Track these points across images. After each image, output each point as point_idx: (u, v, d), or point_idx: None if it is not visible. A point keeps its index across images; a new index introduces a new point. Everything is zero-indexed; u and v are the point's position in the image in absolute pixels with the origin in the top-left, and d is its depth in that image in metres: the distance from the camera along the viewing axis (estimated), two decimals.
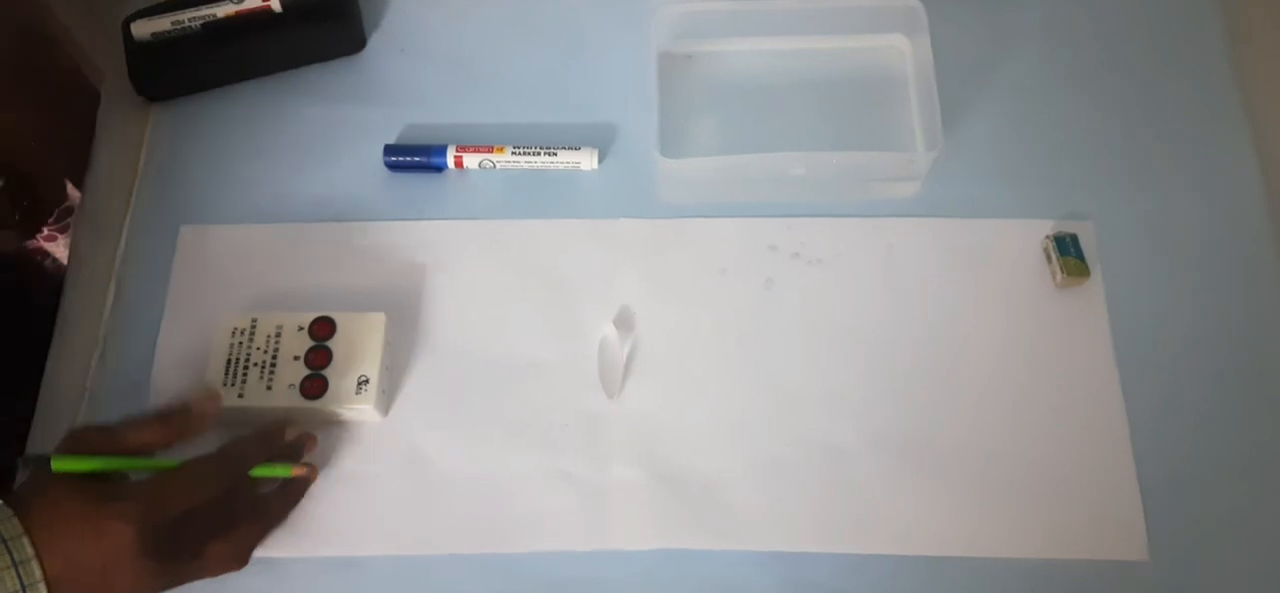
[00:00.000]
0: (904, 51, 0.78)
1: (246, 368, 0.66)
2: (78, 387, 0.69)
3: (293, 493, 0.65)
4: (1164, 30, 0.79)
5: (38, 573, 0.52)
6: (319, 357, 0.66)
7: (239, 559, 0.61)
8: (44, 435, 0.68)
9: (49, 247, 1.09)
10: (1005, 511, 0.65)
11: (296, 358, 0.66)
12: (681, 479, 0.66)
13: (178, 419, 0.60)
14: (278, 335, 0.67)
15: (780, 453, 0.67)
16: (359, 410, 0.66)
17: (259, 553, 0.63)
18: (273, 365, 0.66)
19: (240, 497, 0.62)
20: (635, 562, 0.65)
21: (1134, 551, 0.64)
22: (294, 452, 0.65)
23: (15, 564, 0.51)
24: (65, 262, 0.74)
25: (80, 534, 0.53)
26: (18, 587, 0.51)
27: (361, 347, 0.67)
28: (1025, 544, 0.64)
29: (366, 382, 0.66)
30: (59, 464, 0.55)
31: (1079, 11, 0.80)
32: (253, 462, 0.62)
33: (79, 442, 0.57)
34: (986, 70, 0.78)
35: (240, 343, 0.67)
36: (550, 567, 0.65)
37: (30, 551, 0.52)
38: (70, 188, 1.14)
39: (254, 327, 0.67)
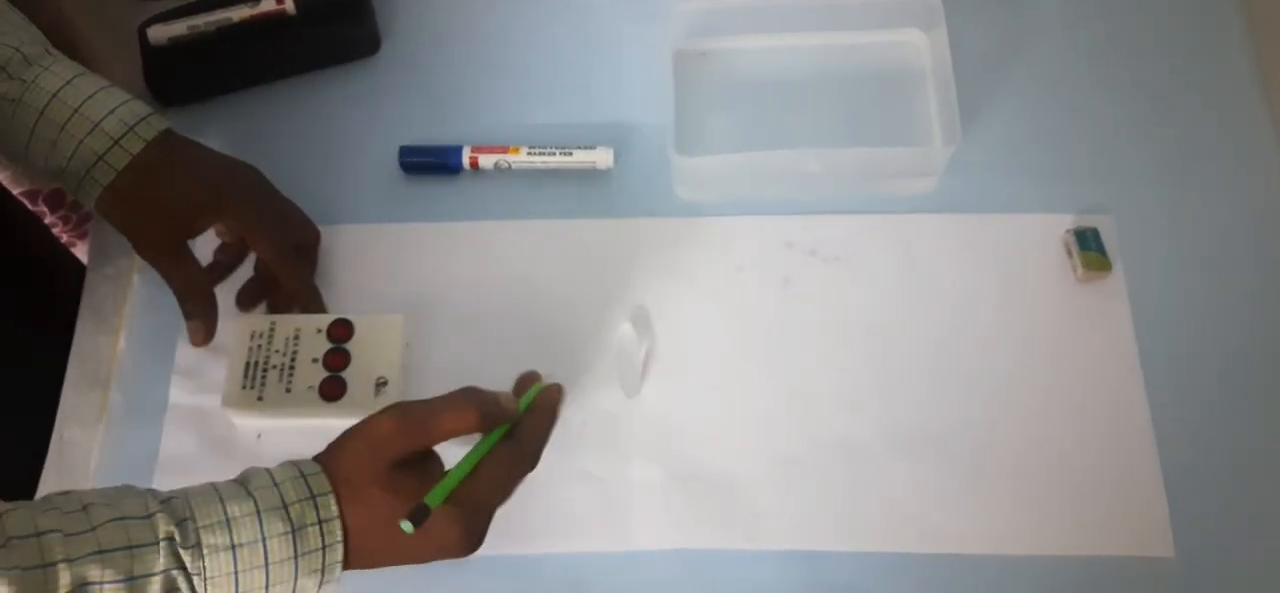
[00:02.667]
0: (921, 46, 0.77)
1: (265, 371, 0.66)
2: (100, 387, 0.69)
3: (548, 407, 0.60)
4: (1184, 21, 0.79)
5: (339, 532, 0.51)
6: (337, 359, 0.66)
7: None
8: (67, 434, 0.68)
9: (71, 249, 1.10)
10: (1028, 507, 0.65)
11: (315, 360, 0.66)
12: (701, 478, 0.66)
13: (489, 406, 0.58)
14: (296, 338, 0.67)
15: (800, 451, 0.66)
16: None
17: None
18: (291, 368, 0.66)
19: (511, 443, 0.58)
20: (655, 561, 0.64)
21: (1159, 546, 0.63)
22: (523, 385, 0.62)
23: (320, 524, 0.51)
24: (86, 262, 0.75)
25: (408, 549, 0.53)
26: (319, 545, 0.51)
27: (380, 349, 0.67)
28: (1049, 541, 0.64)
29: (385, 384, 0.66)
30: (434, 500, 0.52)
31: (1097, 3, 0.79)
32: (545, 436, 0.59)
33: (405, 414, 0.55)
34: (1004, 63, 0.77)
35: (259, 346, 0.67)
36: (570, 567, 0.64)
37: (335, 509, 0.51)
38: None
39: (273, 329, 0.67)
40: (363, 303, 0.70)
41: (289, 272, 0.68)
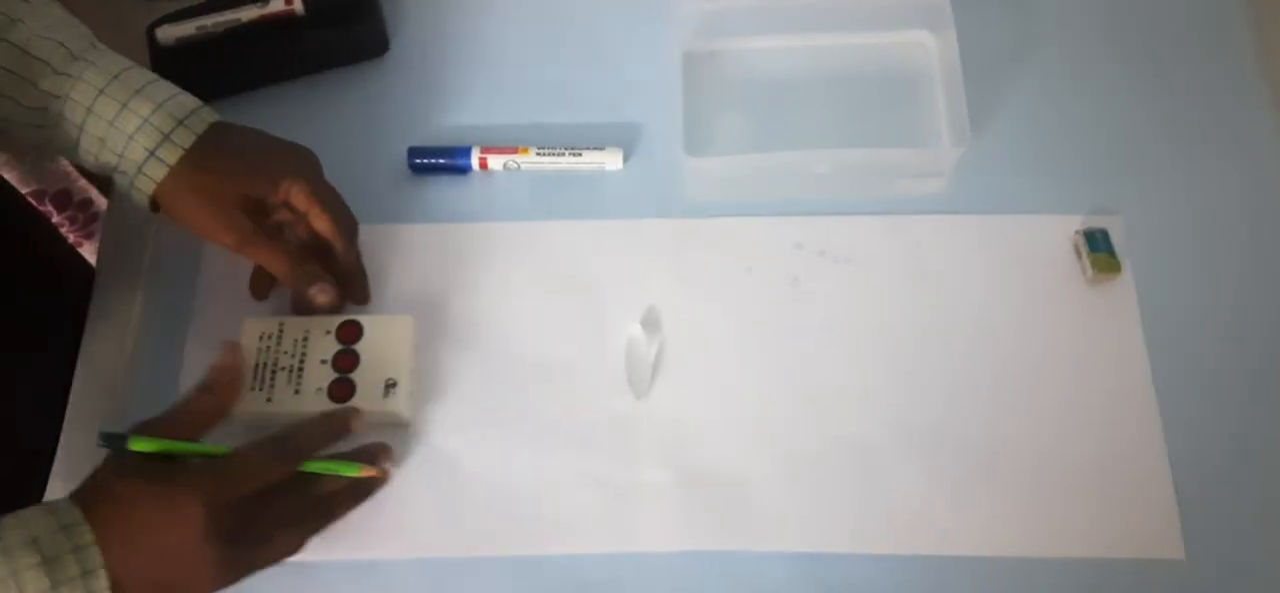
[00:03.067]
0: (929, 47, 0.77)
1: (274, 372, 0.66)
2: (107, 390, 0.69)
3: (359, 492, 0.64)
4: (1193, 21, 0.78)
5: (104, 582, 0.52)
6: (346, 360, 0.66)
7: (300, 546, 0.61)
8: (75, 438, 0.68)
9: (78, 249, 1.10)
10: (1037, 509, 0.65)
11: (324, 362, 0.66)
12: (710, 480, 0.66)
13: (216, 383, 0.60)
14: (305, 339, 0.67)
15: (810, 453, 0.66)
16: (387, 414, 0.66)
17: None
18: (300, 370, 0.66)
19: (304, 487, 0.61)
20: (664, 564, 0.64)
21: (1170, 549, 0.63)
22: (366, 456, 0.64)
23: (84, 575, 0.52)
24: (94, 264, 0.75)
25: (149, 519, 0.54)
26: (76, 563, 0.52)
27: (389, 350, 0.67)
28: (1058, 543, 0.64)
29: (394, 385, 0.66)
30: (137, 444, 0.56)
31: (1106, 2, 0.79)
32: (313, 445, 0.61)
33: (146, 431, 0.57)
34: (1012, 63, 0.77)
35: (268, 347, 0.67)
36: (578, 569, 0.64)
37: (98, 559, 0.52)
38: (95, 193, 1.15)
39: (281, 331, 0.67)
40: (371, 304, 0.70)
41: (347, 247, 0.68)
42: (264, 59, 0.77)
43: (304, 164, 0.67)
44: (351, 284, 0.68)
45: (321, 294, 0.66)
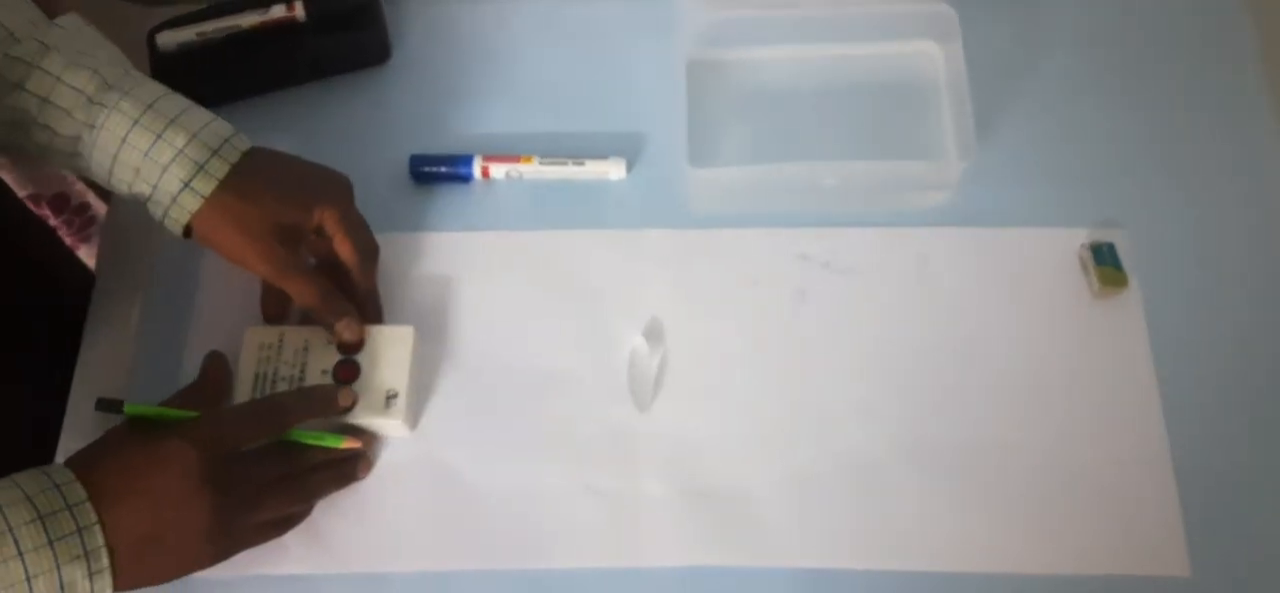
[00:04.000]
0: (935, 58, 0.77)
1: (274, 382, 0.66)
2: (108, 393, 0.69)
3: (343, 473, 0.65)
4: (1198, 34, 0.78)
5: (100, 539, 0.54)
6: (347, 371, 0.66)
7: (284, 524, 0.63)
8: (72, 445, 0.67)
9: (77, 253, 1.09)
10: (1042, 525, 0.64)
11: (324, 372, 0.66)
12: (713, 494, 0.65)
13: (206, 382, 0.65)
14: (305, 349, 0.67)
15: (813, 468, 0.66)
16: (388, 425, 0.66)
17: (285, 570, 0.63)
18: (301, 379, 0.66)
19: (289, 456, 0.63)
20: (665, 578, 0.64)
21: (1175, 566, 0.63)
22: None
23: (79, 530, 0.53)
24: (93, 268, 0.74)
25: (143, 468, 0.56)
26: (81, 552, 0.53)
27: (390, 360, 0.66)
28: (1063, 560, 0.63)
29: (395, 396, 0.65)
30: (131, 409, 0.60)
31: (1112, 16, 0.79)
32: (296, 412, 0.63)
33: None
34: (1019, 75, 0.77)
35: (268, 357, 0.66)
36: (579, 583, 0.64)
37: (93, 516, 0.54)
38: (92, 198, 1.15)
39: (282, 341, 0.67)
40: None
41: (366, 273, 0.68)
42: (265, 66, 0.76)
43: (337, 190, 0.67)
44: (366, 307, 0.68)
45: (347, 331, 0.66)
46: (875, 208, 0.72)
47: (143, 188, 0.62)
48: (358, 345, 0.66)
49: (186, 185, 0.61)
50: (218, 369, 0.65)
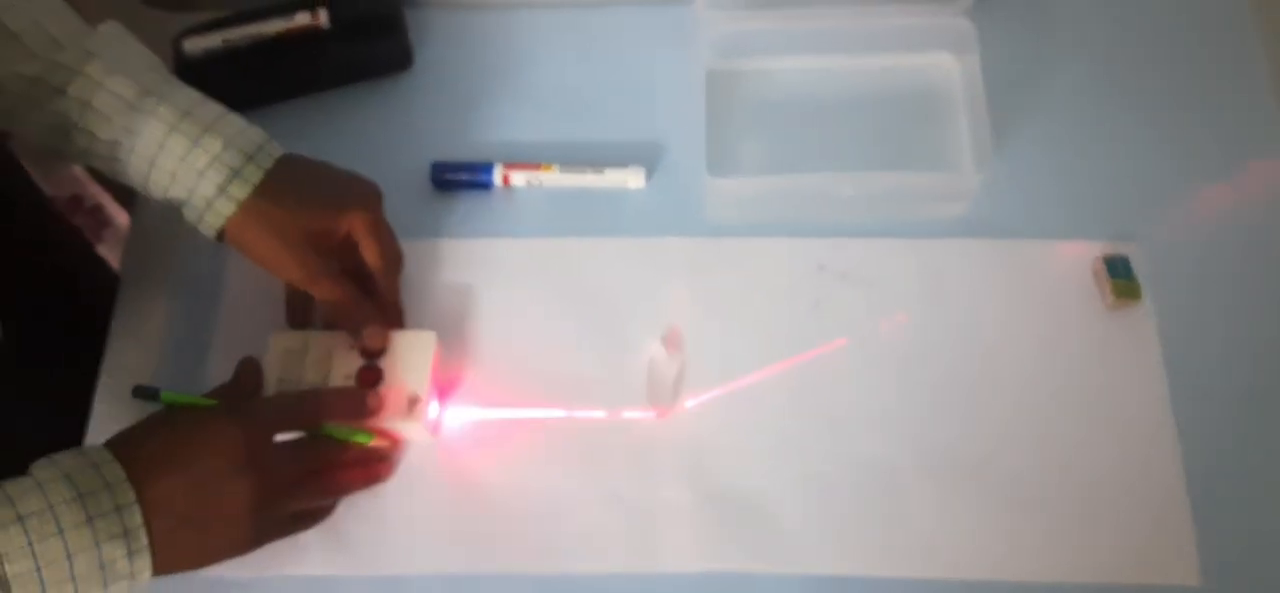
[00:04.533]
0: (952, 70, 0.78)
1: (299, 386, 0.66)
2: (130, 402, 0.69)
3: (370, 472, 0.66)
4: (1213, 49, 0.79)
5: (139, 517, 0.54)
6: (370, 375, 0.66)
7: (311, 518, 0.64)
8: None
9: (100, 252, 1.10)
10: (1055, 535, 0.65)
11: (348, 377, 0.67)
12: (731, 500, 0.66)
13: (239, 386, 0.66)
14: (329, 354, 0.67)
15: (831, 476, 0.67)
16: (410, 429, 0.66)
17: (306, 571, 0.64)
18: (325, 384, 0.66)
19: (323, 447, 0.64)
20: (684, 584, 0.64)
21: (1186, 575, 0.64)
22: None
23: (118, 509, 0.54)
24: (116, 269, 0.75)
25: (183, 447, 0.57)
26: (120, 531, 0.54)
27: (412, 365, 0.67)
28: (1076, 569, 0.64)
29: (417, 401, 0.66)
30: (168, 397, 0.62)
31: (1129, 29, 0.80)
32: (331, 409, 0.64)
33: None
34: (1034, 87, 0.78)
35: (293, 362, 0.67)
36: (598, 588, 0.65)
37: (131, 495, 0.54)
38: (107, 199, 1.15)
39: (306, 345, 0.68)
40: None
41: (391, 281, 0.69)
42: (289, 72, 0.77)
43: (368, 197, 0.68)
44: (390, 313, 0.69)
45: (373, 339, 0.66)
46: (892, 218, 0.73)
47: (179, 193, 0.62)
48: (381, 351, 0.67)
49: (222, 191, 0.62)
50: (250, 374, 0.66)
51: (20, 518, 0.51)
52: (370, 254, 0.67)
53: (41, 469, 0.54)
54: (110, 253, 1.07)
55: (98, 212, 1.16)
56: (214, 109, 0.64)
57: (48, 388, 0.73)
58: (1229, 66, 0.78)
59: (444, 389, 0.69)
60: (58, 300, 0.77)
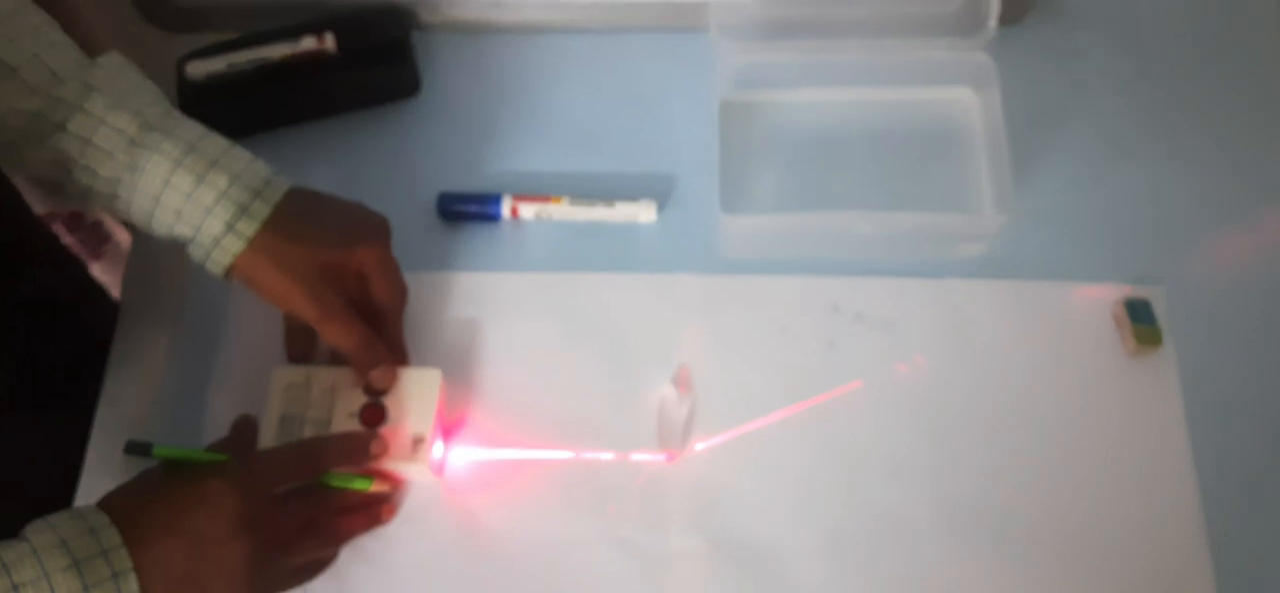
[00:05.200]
0: (972, 106, 0.76)
1: (302, 424, 0.65)
2: (130, 433, 0.68)
3: (371, 516, 0.65)
4: (1240, 90, 0.77)
5: (135, 585, 0.53)
6: (374, 414, 0.65)
7: (314, 569, 0.63)
8: (94, 485, 0.67)
9: (100, 268, 1.08)
10: (1071, 586, 0.63)
11: (351, 415, 0.65)
12: (744, 549, 0.65)
13: (236, 440, 0.65)
14: (333, 391, 0.66)
15: (845, 525, 0.65)
16: (414, 470, 0.65)
17: None
18: (328, 422, 0.65)
19: (322, 497, 0.63)
20: None
21: None
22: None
23: (115, 576, 0.52)
24: (115, 295, 0.73)
25: (180, 511, 0.55)
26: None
27: (416, 403, 0.65)
28: None
29: (422, 440, 0.64)
30: (160, 451, 0.59)
31: (1153, 65, 0.78)
32: (333, 457, 0.63)
33: None
34: (1055, 125, 0.76)
35: (295, 398, 0.65)
36: None
37: (128, 561, 0.53)
38: (117, 229, 1.14)
39: (309, 381, 0.66)
40: None
41: (398, 320, 0.68)
42: (294, 97, 0.76)
43: (377, 231, 0.66)
44: (396, 350, 0.68)
45: (382, 379, 0.65)
46: (909, 258, 0.72)
47: (184, 230, 0.61)
48: (386, 389, 0.65)
49: (230, 228, 0.60)
50: (247, 430, 0.65)
51: (15, 588, 0.50)
52: (381, 291, 0.66)
53: (37, 535, 0.52)
54: (110, 271, 1.05)
55: (98, 228, 1.15)
56: (219, 143, 0.62)
57: (43, 423, 0.71)
58: (1257, 105, 0.77)
59: (449, 429, 0.67)
60: (52, 335, 0.75)
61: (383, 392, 0.65)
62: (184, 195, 0.60)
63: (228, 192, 0.60)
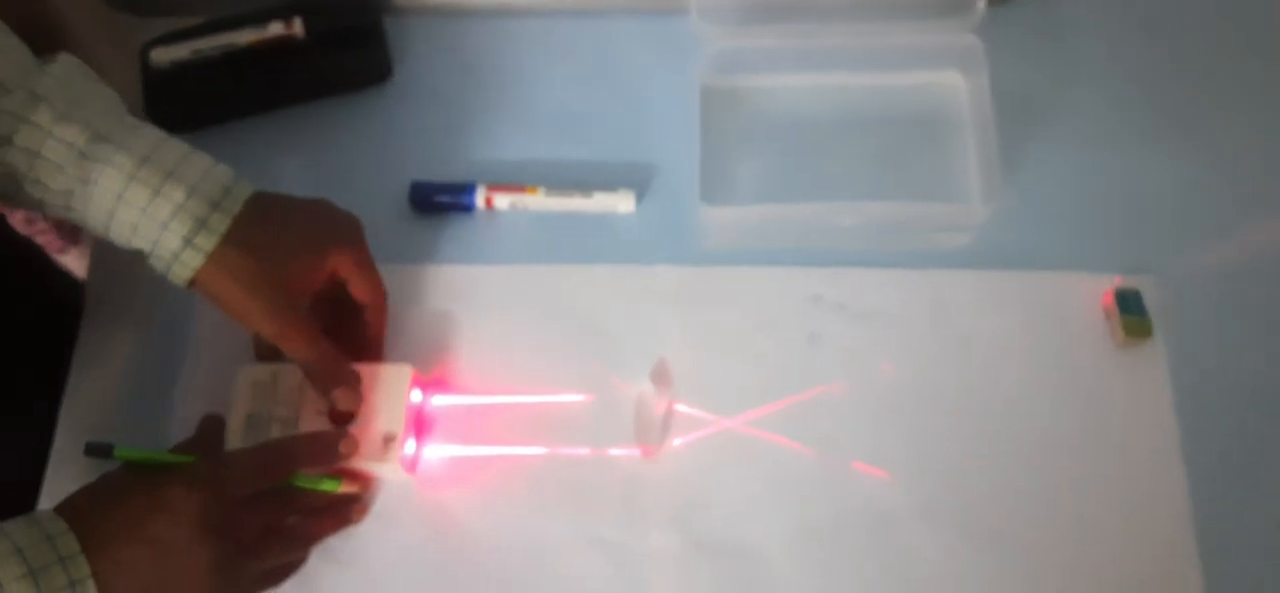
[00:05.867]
0: (960, 90, 0.74)
1: (268, 422, 0.63)
2: (95, 431, 0.66)
3: (340, 516, 0.63)
4: (1232, 80, 0.75)
5: (93, 590, 0.52)
6: (344, 412, 0.63)
7: (283, 572, 0.61)
8: (60, 482, 0.65)
9: (63, 258, 1.06)
10: (1058, 580, 0.62)
11: (320, 412, 0.64)
12: (722, 547, 0.63)
13: (201, 441, 0.63)
14: (300, 388, 0.64)
15: (825, 520, 0.64)
16: (385, 468, 0.63)
17: None
18: (295, 420, 0.64)
19: (289, 500, 0.61)
20: None
21: None
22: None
23: (72, 584, 0.51)
24: (76, 274, 0.72)
25: (140, 516, 0.54)
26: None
27: (387, 400, 0.64)
28: None
29: (392, 438, 0.63)
30: (122, 453, 0.57)
31: (1146, 50, 0.76)
32: (300, 459, 0.61)
33: None
34: (1044, 111, 0.74)
35: (262, 397, 0.64)
36: None
37: (86, 569, 0.52)
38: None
39: (276, 379, 0.64)
40: None
41: (380, 317, 0.66)
42: (261, 84, 0.74)
43: (349, 233, 0.64)
44: (375, 350, 0.66)
45: (344, 400, 0.63)
46: (893, 248, 0.70)
47: (142, 244, 0.58)
48: (352, 412, 0.64)
49: (188, 243, 0.58)
50: (214, 430, 0.63)
51: None
52: (361, 292, 0.64)
53: None
54: (81, 260, 1.03)
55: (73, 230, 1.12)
56: (176, 150, 0.59)
57: (4, 422, 0.70)
58: (1249, 98, 0.75)
59: (421, 425, 0.66)
60: (13, 330, 0.74)
61: (349, 415, 0.64)
62: (139, 210, 0.57)
63: (185, 205, 0.57)
